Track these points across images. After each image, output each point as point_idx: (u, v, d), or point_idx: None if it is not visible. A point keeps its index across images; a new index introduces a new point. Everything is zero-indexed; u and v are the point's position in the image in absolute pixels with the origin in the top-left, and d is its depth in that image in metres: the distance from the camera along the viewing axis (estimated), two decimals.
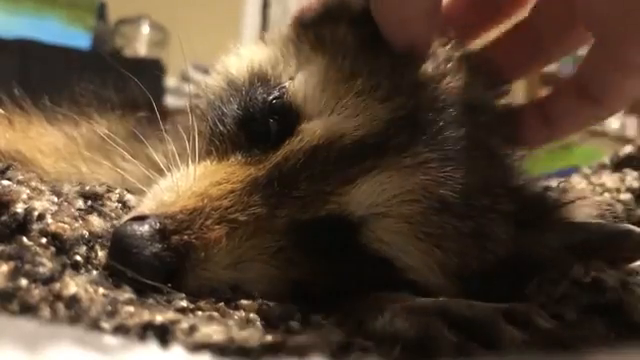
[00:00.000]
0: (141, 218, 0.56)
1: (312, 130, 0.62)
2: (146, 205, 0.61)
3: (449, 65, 0.70)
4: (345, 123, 0.62)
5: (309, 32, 0.75)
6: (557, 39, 0.75)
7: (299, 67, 0.69)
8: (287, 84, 0.68)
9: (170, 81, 3.31)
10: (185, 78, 3.10)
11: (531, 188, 0.69)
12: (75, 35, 3.31)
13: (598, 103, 0.69)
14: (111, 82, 1.03)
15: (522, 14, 0.78)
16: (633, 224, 0.74)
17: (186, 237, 0.56)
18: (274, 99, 0.67)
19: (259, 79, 0.71)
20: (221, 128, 0.68)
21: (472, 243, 0.62)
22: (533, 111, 0.75)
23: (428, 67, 0.69)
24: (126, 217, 0.59)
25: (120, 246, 0.54)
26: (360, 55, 0.68)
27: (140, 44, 3.76)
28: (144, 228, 0.55)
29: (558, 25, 0.74)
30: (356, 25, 0.73)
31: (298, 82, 0.67)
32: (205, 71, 0.96)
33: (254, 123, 0.67)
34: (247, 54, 0.78)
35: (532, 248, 0.64)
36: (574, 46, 0.76)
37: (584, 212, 0.69)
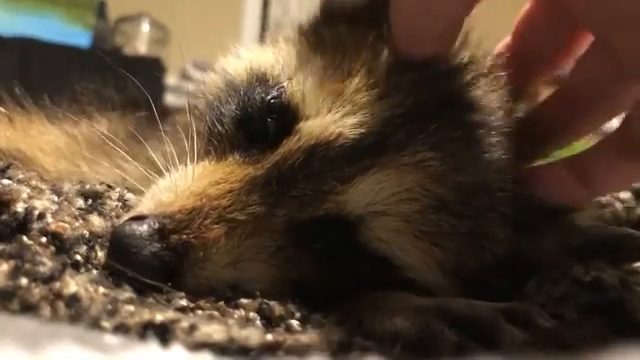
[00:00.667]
0: (140, 218, 0.57)
1: (310, 129, 0.62)
2: (145, 205, 0.61)
3: (452, 64, 0.70)
4: (343, 122, 0.62)
5: (309, 33, 0.75)
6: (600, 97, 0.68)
7: (298, 67, 0.69)
8: (285, 84, 0.67)
9: (170, 79, 3.31)
10: (185, 76, 3.10)
11: (531, 190, 0.68)
12: (75, 33, 3.31)
13: None
14: (111, 81, 1.03)
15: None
16: (633, 223, 0.74)
17: (185, 237, 0.56)
18: (272, 99, 0.67)
19: (257, 79, 0.71)
20: (219, 128, 0.69)
21: (470, 242, 0.62)
22: (566, 168, 0.68)
23: (429, 66, 0.69)
24: (125, 217, 0.59)
25: (119, 246, 0.54)
26: (358, 54, 0.67)
27: (140, 42, 3.75)
28: (143, 228, 0.55)
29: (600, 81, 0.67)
30: (355, 25, 0.73)
31: (296, 82, 0.67)
32: (205, 69, 0.96)
33: (252, 123, 0.67)
34: (246, 55, 0.78)
35: (531, 251, 0.64)
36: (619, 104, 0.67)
37: (584, 214, 0.69)
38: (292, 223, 0.60)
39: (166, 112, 0.85)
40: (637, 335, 0.51)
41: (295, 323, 0.53)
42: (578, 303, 0.54)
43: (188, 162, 0.66)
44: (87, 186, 0.66)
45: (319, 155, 0.61)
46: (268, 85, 0.69)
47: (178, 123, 0.78)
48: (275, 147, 0.63)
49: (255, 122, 0.67)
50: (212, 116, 0.70)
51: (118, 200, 0.66)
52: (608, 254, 0.59)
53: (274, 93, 0.68)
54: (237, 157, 0.65)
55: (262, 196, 0.60)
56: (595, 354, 0.27)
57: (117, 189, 0.67)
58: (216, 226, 0.57)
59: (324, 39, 0.72)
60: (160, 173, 0.68)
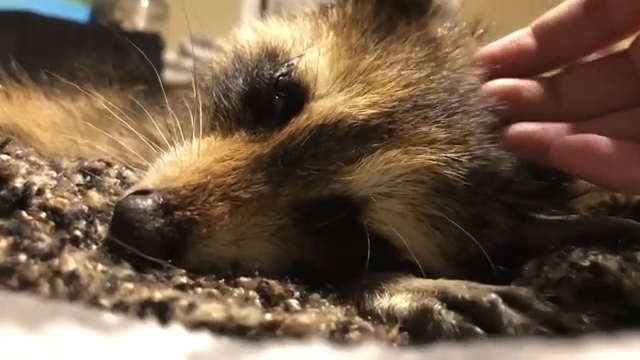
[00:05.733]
0: (144, 192, 0.56)
1: (319, 109, 0.62)
2: (149, 179, 0.60)
3: (466, 48, 0.70)
4: (353, 102, 0.62)
5: (326, 10, 0.74)
6: None
7: (310, 44, 0.68)
8: (295, 61, 0.67)
9: (169, 55, 3.28)
10: (184, 52, 3.07)
11: (533, 180, 0.68)
12: (74, 8, 3.27)
13: None
14: (109, 56, 1.02)
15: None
16: (633, 208, 0.74)
17: (189, 213, 0.56)
18: (281, 76, 0.66)
19: (267, 54, 0.70)
20: (226, 103, 0.68)
21: (472, 229, 0.62)
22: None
23: (443, 47, 0.68)
24: (129, 191, 0.58)
25: (122, 220, 0.54)
26: (371, 34, 0.67)
27: (139, 17, 3.71)
28: (147, 202, 0.55)
29: None
30: (368, 4, 0.72)
31: (307, 60, 0.66)
32: (205, 45, 0.95)
33: (260, 100, 0.66)
34: (261, 28, 0.76)
35: (532, 239, 0.64)
36: None
37: (585, 199, 0.69)
38: (296, 202, 0.60)
39: (165, 88, 0.84)
40: (634, 319, 0.51)
41: (294, 302, 0.53)
42: (576, 287, 0.54)
43: (193, 137, 0.66)
44: (85, 162, 0.66)
45: (327, 135, 0.60)
46: (277, 61, 0.68)
47: (182, 97, 0.77)
48: (282, 125, 0.62)
49: (262, 99, 0.66)
50: (219, 91, 0.69)
51: (117, 177, 0.65)
52: (607, 243, 0.59)
53: (283, 70, 0.67)
54: (243, 134, 0.64)
55: (267, 175, 0.59)
56: (595, 341, 0.27)
57: (115, 166, 0.67)
58: (220, 204, 0.57)
59: (336, 18, 0.71)
60: (160, 147, 0.68)
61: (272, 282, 0.54)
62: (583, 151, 0.59)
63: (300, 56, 0.67)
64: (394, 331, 0.51)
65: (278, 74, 0.66)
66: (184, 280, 0.52)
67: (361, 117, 0.61)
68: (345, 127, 0.61)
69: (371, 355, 0.30)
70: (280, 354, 0.30)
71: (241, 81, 0.69)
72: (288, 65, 0.67)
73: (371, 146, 0.60)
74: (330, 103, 0.62)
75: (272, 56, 0.69)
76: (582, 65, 0.70)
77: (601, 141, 0.58)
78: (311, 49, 0.67)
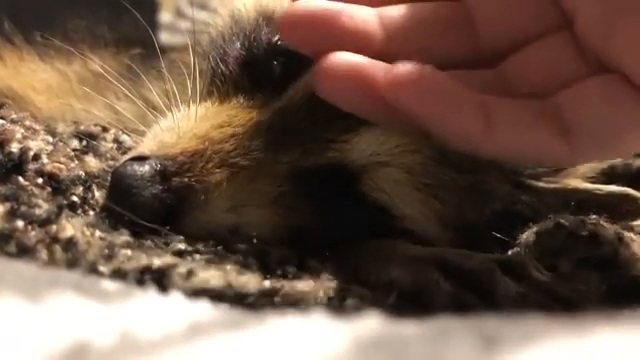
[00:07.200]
0: (141, 158, 0.56)
1: None
2: (146, 145, 0.60)
3: None
4: None
5: None
6: None
7: None
8: None
9: (164, 17, 3.23)
10: (180, 14, 3.02)
11: None
12: None
13: None
14: (104, 17, 1.01)
15: None
16: (631, 175, 0.75)
17: (186, 180, 0.55)
18: (279, 40, 0.65)
19: (264, 18, 0.68)
20: (223, 68, 0.67)
21: (470, 197, 0.62)
22: None
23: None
24: (126, 157, 0.58)
25: (120, 186, 0.54)
26: None
27: None
28: (144, 169, 0.54)
29: None
30: None
31: None
32: (200, 6, 0.94)
33: (258, 65, 0.65)
34: None
35: (530, 207, 0.64)
36: None
37: (584, 168, 0.69)
38: (295, 170, 0.59)
39: (161, 50, 0.83)
40: (630, 289, 0.51)
41: (292, 269, 0.53)
42: (574, 257, 0.55)
43: (190, 103, 0.65)
44: (82, 127, 0.65)
45: (326, 102, 0.60)
46: (275, 25, 0.67)
47: (177, 61, 0.76)
48: (281, 91, 0.62)
49: (260, 64, 0.65)
50: (215, 56, 0.68)
51: (113, 142, 0.65)
52: (606, 212, 0.60)
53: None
54: (241, 100, 0.63)
55: (265, 142, 0.59)
56: (594, 316, 0.27)
57: (112, 130, 0.66)
58: (218, 170, 0.57)
59: None
60: (157, 111, 0.67)
61: (270, 249, 0.54)
62: (423, 87, 0.49)
63: None
64: (391, 299, 0.52)
65: (276, 38, 0.65)
66: (182, 246, 0.52)
67: None
68: None
69: (371, 325, 0.30)
70: (281, 325, 0.30)
71: (238, 45, 0.68)
72: None
73: None
74: None
75: (270, 20, 0.68)
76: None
77: (439, 75, 0.49)
78: None
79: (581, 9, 0.52)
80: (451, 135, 0.51)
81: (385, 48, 0.54)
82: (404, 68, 0.49)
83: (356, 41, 0.53)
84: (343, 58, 0.51)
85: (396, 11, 0.55)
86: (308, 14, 0.53)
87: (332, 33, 0.53)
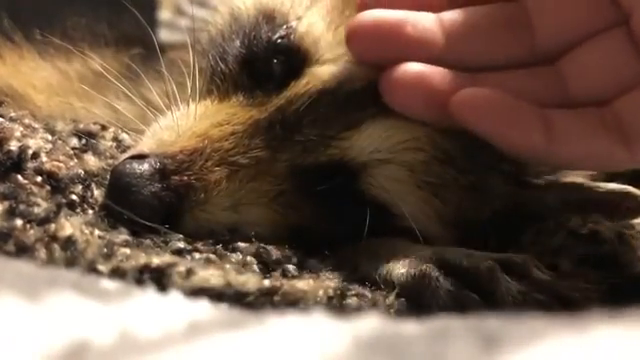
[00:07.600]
0: (140, 157, 0.56)
1: (320, 73, 0.61)
2: (145, 143, 0.60)
3: None
4: (354, 68, 0.60)
5: None
6: None
7: (308, 7, 0.67)
8: (294, 23, 0.65)
9: (164, 14, 3.23)
10: (179, 11, 3.02)
11: None
12: None
13: None
14: (103, 15, 1.00)
15: None
16: (632, 174, 0.74)
17: (186, 178, 0.55)
18: (279, 38, 0.65)
19: (264, 16, 0.68)
20: (222, 67, 0.66)
21: (470, 196, 0.62)
22: None
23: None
24: (125, 155, 0.58)
25: (119, 185, 0.54)
26: None
27: None
28: (144, 167, 0.54)
29: None
30: None
31: (307, 23, 0.64)
32: (200, 4, 0.93)
33: (257, 63, 0.65)
34: None
35: (531, 204, 0.64)
36: None
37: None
38: (294, 168, 0.59)
39: (160, 49, 0.83)
40: (631, 288, 0.51)
41: (292, 268, 0.53)
42: (574, 255, 0.54)
43: (190, 101, 0.65)
44: (81, 125, 0.65)
45: (326, 100, 0.60)
46: (275, 23, 0.66)
47: (178, 60, 0.76)
48: (280, 90, 0.61)
49: (260, 62, 0.65)
50: (215, 54, 0.68)
51: (112, 140, 0.65)
52: (605, 210, 0.59)
53: (281, 33, 0.65)
54: (241, 98, 0.63)
55: (265, 140, 0.59)
56: (595, 315, 0.27)
57: (111, 129, 0.66)
58: (217, 168, 0.57)
59: None
60: (157, 110, 0.67)
61: (270, 248, 0.54)
62: (486, 107, 0.54)
63: (299, 18, 0.65)
64: (391, 297, 0.52)
65: (276, 37, 0.65)
66: (181, 245, 0.52)
67: (361, 82, 0.60)
68: (345, 92, 0.60)
69: (371, 325, 0.30)
70: (281, 324, 0.30)
71: (238, 44, 0.67)
72: (287, 28, 0.65)
73: (371, 112, 0.60)
74: (331, 68, 0.61)
75: (270, 18, 0.68)
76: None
77: (506, 99, 0.54)
78: (310, 11, 0.66)
79: (637, 6, 0.53)
80: (516, 149, 0.55)
81: (446, 52, 0.57)
82: (469, 92, 0.54)
83: (419, 48, 0.57)
84: (411, 69, 0.56)
85: (456, 15, 0.58)
86: (375, 25, 0.57)
87: (398, 43, 0.57)
